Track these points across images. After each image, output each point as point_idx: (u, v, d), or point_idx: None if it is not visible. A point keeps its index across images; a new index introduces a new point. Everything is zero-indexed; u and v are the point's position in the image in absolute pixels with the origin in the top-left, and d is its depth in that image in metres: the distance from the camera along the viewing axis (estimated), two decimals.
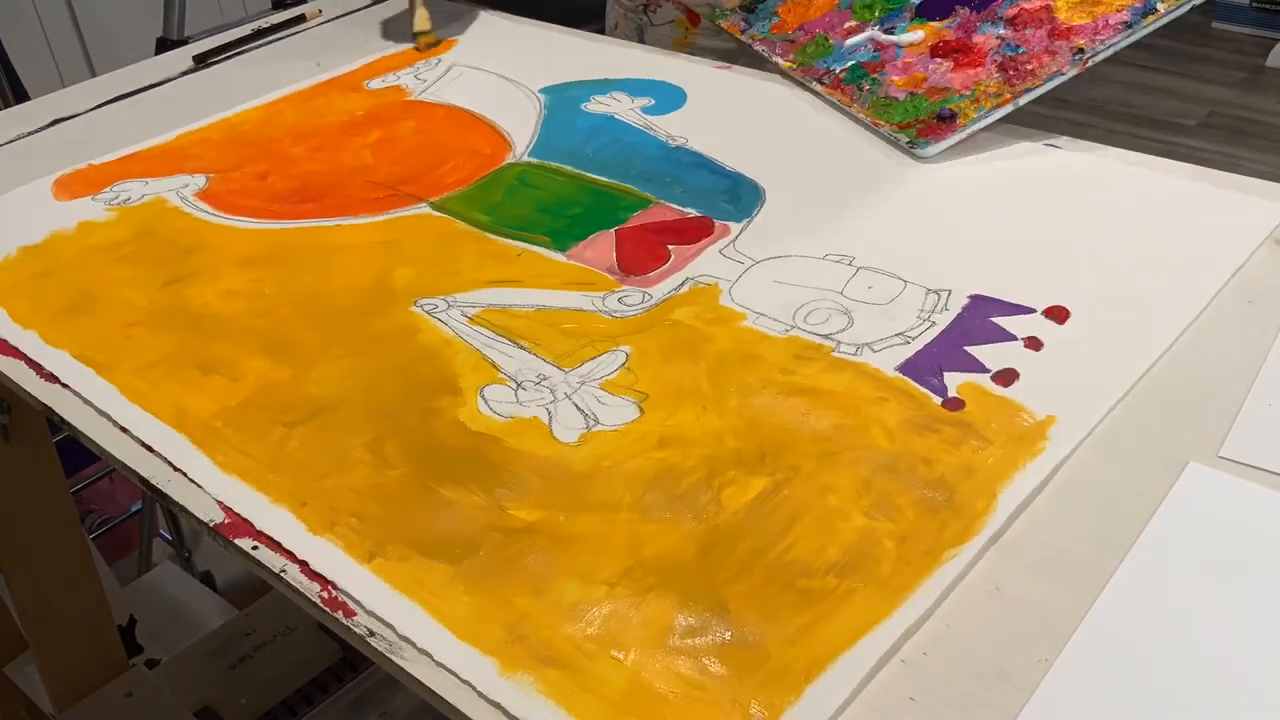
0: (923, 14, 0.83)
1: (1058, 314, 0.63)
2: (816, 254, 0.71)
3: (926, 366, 0.61)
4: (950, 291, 0.66)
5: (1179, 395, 0.58)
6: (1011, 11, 0.77)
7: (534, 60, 1.02)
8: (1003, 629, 0.47)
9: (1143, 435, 0.56)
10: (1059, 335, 0.62)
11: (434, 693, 0.47)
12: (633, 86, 0.95)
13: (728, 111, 0.90)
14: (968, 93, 0.75)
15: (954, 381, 0.59)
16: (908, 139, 0.78)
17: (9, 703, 1.22)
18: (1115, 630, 0.46)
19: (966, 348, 0.62)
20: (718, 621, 0.48)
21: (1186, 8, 0.75)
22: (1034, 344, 0.61)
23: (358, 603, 0.51)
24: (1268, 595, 0.47)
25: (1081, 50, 0.73)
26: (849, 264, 0.70)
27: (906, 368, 0.61)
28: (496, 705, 0.45)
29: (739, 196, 0.78)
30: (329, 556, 0.53)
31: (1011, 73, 0.70)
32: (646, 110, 0.91)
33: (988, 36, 0.77)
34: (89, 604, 1.15)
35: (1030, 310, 0.64)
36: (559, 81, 0.97)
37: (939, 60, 0.76)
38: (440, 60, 1.04)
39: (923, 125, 0.76)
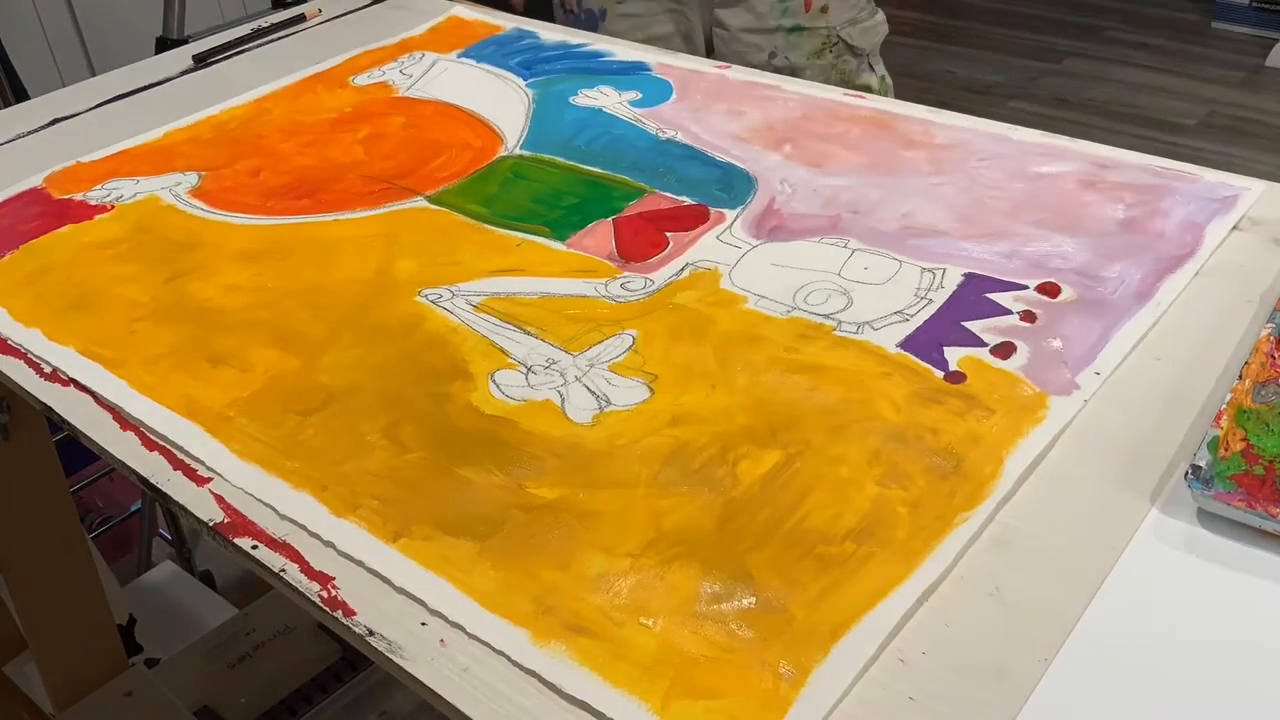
0: None
1: (1050, 289, 0.65)
2: (812, 237, 0.73)
3: (926, 342, 0.62)
4: (945, 270, 0.68)
5: (1177, 395, 0.58)
6: None
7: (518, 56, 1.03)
8: (1002, 629, 0.47)
9: (1139, 437, 0.56)
10: (1053, 309, 0.64)
11: (433, 692, 0.47)
12: (619, 81, 0.96)
13: (714, 105, 0.91)
14: None
15: (954, 356, 0.61)
16: None
17: (9, 702, 1.21)
18: (1114, 630, 0.47)
19: (964, 323, 0.64)
20: (741, 588, 0.50)
21: None
22: (1029, 317, 0.63)
23: (387, 580, 0.52)
24: (1268, 591, 0.48)
25: None
26: (844, 246, 0.72)
27: (907, 344, 0.63)
28: (532, 673, 0.47)
29: (732, 185, 0.80)
30: (354, 538, 0.54)
31: None
32: (634, 104, 0.92)
33: None
34: (88, 603, 1.15)
35: (1023, 286, 0.66)
36: (545, 76, 0.98)
37: None
38: (425, 55, 1.05)
39: None
